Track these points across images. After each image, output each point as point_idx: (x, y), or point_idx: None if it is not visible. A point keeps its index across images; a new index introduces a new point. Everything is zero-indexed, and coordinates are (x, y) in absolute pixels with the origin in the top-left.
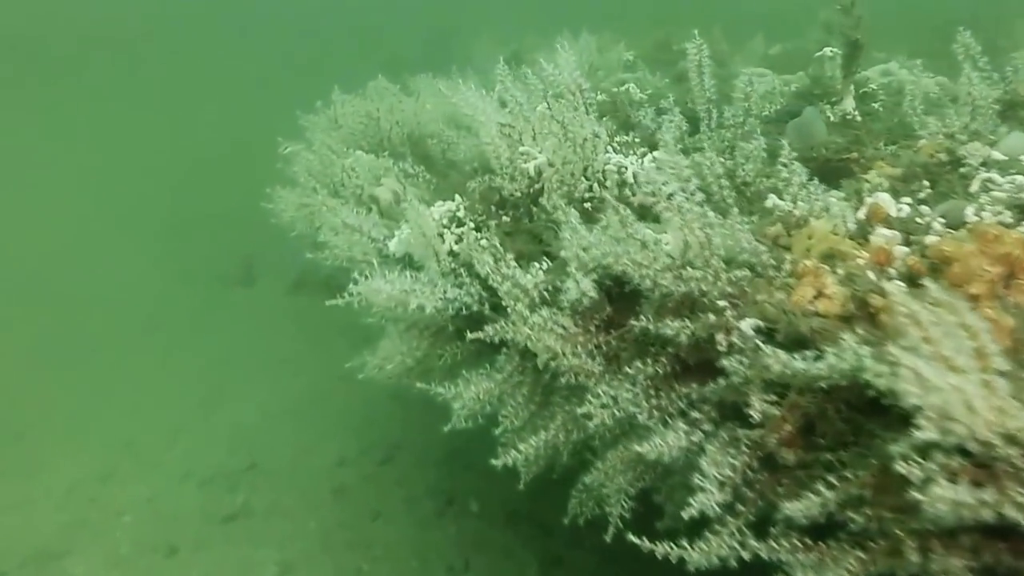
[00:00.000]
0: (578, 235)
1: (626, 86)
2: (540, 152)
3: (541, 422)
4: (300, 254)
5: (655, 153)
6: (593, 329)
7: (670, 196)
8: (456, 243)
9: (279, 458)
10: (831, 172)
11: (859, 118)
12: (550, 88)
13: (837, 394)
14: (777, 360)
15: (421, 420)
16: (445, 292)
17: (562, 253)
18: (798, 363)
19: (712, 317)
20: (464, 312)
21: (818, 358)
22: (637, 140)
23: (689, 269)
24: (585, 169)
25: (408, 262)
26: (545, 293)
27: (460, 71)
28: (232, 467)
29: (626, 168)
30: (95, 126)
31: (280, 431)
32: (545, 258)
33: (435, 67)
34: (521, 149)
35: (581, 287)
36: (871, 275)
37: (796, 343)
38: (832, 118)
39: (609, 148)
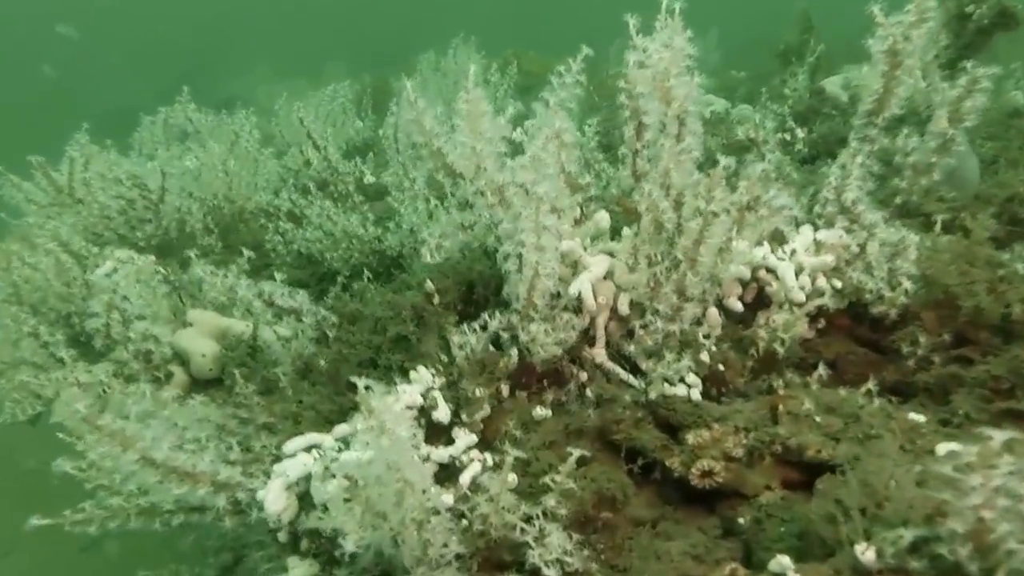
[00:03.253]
0: None
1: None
2: (598, 252)
3: None
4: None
5: (819, 235)
6: None
7: None
8: (456, 492)
9: None
10: None
11: None
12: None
13: None
14: None
15: None
16: None
17: None
18: None
19: None
20: None
21: None
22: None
23: None
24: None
25: (305, 532)
26: None
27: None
28: None
29: (774, 270)
30: None
31: None
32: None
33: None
34: (564, 245)
35: None
36: None
37: None
38: None
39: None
